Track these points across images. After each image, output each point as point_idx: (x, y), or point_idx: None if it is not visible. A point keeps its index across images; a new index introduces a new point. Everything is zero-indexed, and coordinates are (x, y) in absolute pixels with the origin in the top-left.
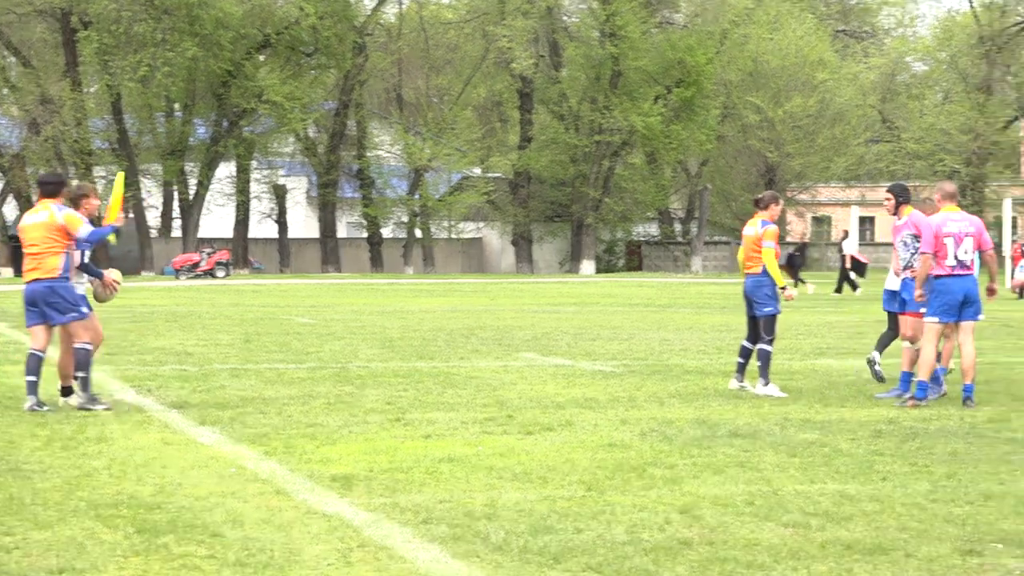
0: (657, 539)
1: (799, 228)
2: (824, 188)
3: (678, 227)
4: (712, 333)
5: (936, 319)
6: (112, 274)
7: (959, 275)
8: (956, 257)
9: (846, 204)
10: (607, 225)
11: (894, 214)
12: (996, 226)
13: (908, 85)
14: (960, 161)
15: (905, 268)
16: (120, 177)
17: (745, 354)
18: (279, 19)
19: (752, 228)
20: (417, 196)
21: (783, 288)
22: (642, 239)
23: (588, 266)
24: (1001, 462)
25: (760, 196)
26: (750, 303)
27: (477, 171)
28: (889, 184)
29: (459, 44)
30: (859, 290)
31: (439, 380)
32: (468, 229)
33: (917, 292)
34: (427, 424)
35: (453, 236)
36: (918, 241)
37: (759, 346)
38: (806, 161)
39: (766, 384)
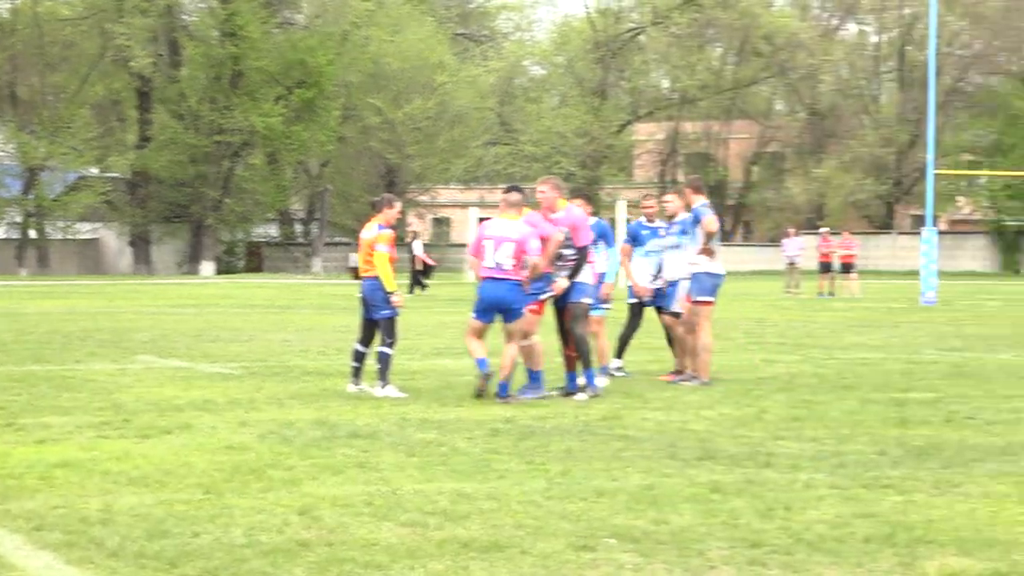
0: (275, 541)
1: (419, 230)
2: (444, 190)
3: (299, 228)
4: (332, 334)
5: (474, 317)
6: None
7: (495, 278)
8: (494, 261)
9: (465, 206)
10: (227, 226)
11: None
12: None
13: (526, 88)
14: (576, 163)
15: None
16: None
17: (358, 357)
18: None
19: (368, 231)
20: (31, 196)
21: (391, 293)
22: (263, 240)
23: (208, 267)
24: (614, 459)
25: (377, 199)
26: (368, 306)
27: (94, 171)
28: (507, 185)
29: (76, 41)
30: (418, 290)
31: (54, 384)
32: (85, 230)
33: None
34: (41, 429)
35: (69, 237)
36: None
37: (379, 349)
38: (426, 163)
39: (384, 386)
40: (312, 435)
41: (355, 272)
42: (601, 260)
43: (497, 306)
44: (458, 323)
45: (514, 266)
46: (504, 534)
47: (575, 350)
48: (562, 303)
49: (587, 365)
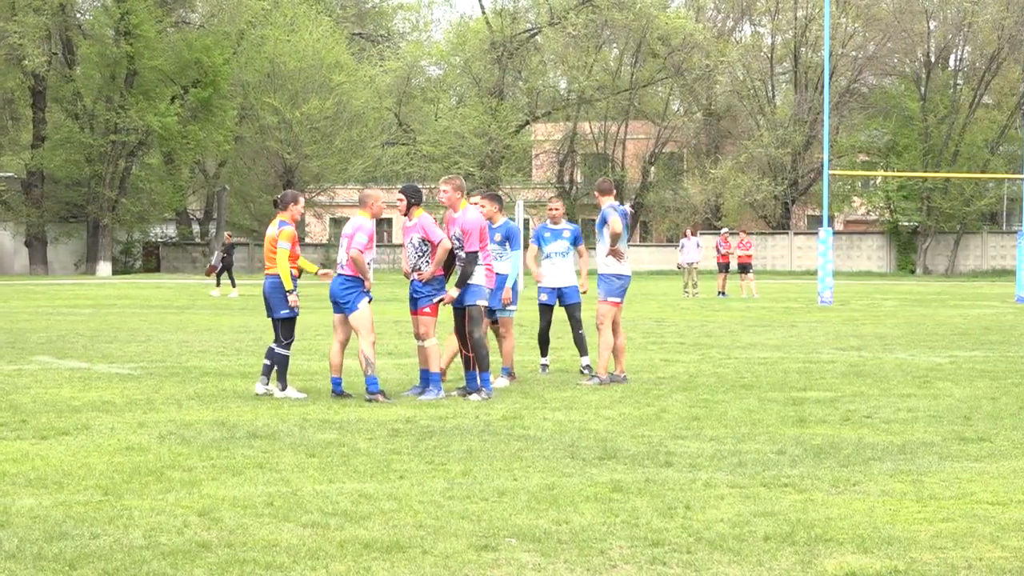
0: (175, 542)
1: (318, 229)
2: (342, 190)
3: (196, 228)
4: (231, 335)
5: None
6: None
7: (338, 274)
8: (340, 257)
9: None
10: (124, 226)
11: (405, 215)
12: None
13: (423, 88)
14: (474, 164)
15: (414, 270)
16: None
17: (271, 355)
18: None
19: (272, 228)
20: None
21: (289, 292)
22: (160, 240)
23: (105, 267)
24: (514, 458)
25: (280, 196)
26: (267, 305)
27: None
28: (402, 185)
29: None
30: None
31: None
32: None
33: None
34: None
35: None
36: (426, 244)
37: (277, 350)
38: (324, 163)
39: (284, 388)
40: (211, 436)
41: (211, 271)
42: (505, 263)
43: (333, 300)
44: None
45: (348, 262)
46: (405, 534)
47: (473, 352)
48: (459, 305)
49: (482, 368)
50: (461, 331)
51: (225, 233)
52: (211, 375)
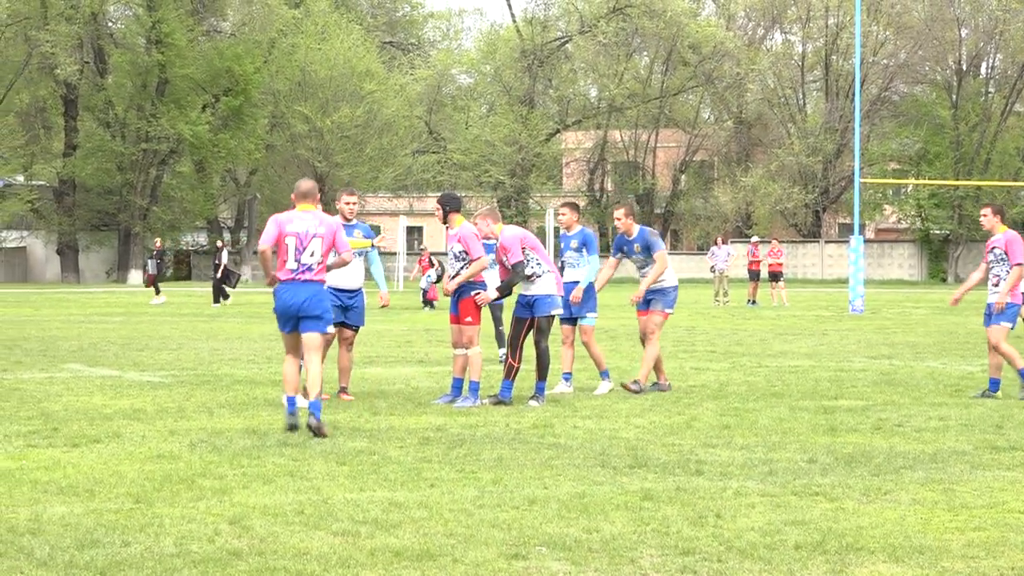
0: (207, 550)
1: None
2: (373, 198)
3: (227, 236)
4: (262, 343)
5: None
6: None
7: (299, 280)
8: (298, 260)
9: (395, 214)
10: (155, 234)
11: (444, 223)
12: (541, 235)
13: (454, 97)
14: (505, 172)
15: (453, 278)
16: None
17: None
18: None
19: None
20: None
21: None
22: (191, 248)
23: (136, 275)
24: (545, 467)
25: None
26: None
27: (20, 179)
28: (439, 194)
29: (0, 49)
30: (229, 300)
31: None
32: (11, 238)
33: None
34: None
35: None
36: (466, 254)
37: None
38: (354, 171)
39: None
40: (242, 444)
41: (150, 280)
42: (581, 269)
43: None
44: (392, 332)
45: (321, 267)
46: (436, 543)
47: (537, 361)
48: (527, 316)
49: (541, 377)
50: (515, 339)
51: (156, 240)
52: (242, 383)
